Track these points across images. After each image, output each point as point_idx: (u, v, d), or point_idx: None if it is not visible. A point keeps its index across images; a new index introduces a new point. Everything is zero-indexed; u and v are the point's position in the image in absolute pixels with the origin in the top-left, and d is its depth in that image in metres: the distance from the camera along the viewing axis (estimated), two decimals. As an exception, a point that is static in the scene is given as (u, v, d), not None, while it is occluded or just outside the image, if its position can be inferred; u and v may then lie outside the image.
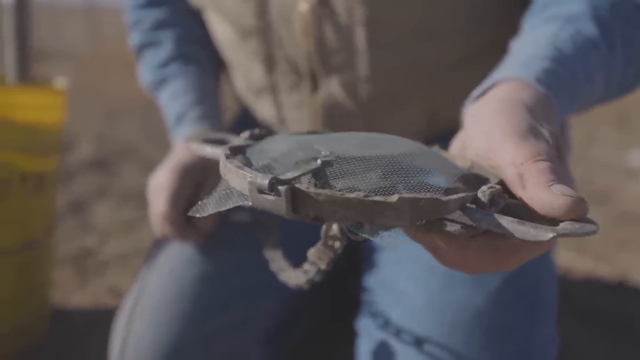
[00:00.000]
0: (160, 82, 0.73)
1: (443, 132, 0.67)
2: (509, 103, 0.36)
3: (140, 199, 1.72)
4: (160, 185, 0.62)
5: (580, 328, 1.09)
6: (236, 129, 0.67)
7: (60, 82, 0.96)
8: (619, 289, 1.27)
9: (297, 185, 0.29)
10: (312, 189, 0.28)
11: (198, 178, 0.64)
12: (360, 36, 0.59)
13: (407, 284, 0.57)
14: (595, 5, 0.47)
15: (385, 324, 0.57)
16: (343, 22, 0.58)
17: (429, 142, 0.57)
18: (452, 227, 0.30)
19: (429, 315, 0.54)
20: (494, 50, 0.61)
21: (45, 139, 0.92)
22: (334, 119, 0.65)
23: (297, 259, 0.51)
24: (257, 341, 0.66)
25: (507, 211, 0.30)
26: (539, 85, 0.39)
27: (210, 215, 0.33)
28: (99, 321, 1.04)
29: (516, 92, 0.38)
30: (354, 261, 0.70)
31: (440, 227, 0.30)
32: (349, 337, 0.65)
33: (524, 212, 0.30)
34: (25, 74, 0.93)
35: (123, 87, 3.60)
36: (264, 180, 0.29)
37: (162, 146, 2.28)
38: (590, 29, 0.46)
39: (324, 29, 0.59)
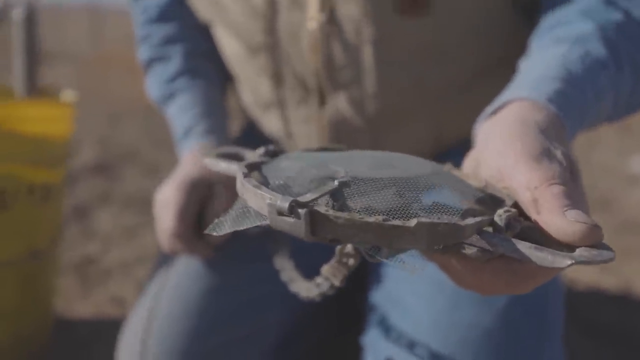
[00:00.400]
0: (169, 97, 0.74)
1: (449, 148, 0.67)
2: (522, 124, 0.36)
3: (142, 204, 1.72)
4: (167, 201, 0.62)
5: (585, 340, 1.09)
6: (243, 143, 0.67)
7: (68, 94, 0.96)
8: (622, 301, 1.27)
9: (316, 207, 0.29)
10: (331, 212, 0.28)
11: (205, 192, 0.64)
12: (367, 54, 0.59)
13: (413, 300, 0.57)
14: (602, 26, 0.47)
15: (392, 339, 0.57)
16: (351, 41, 0.58)
17: (435, 157, 0.56)
18: (469, 251, 0.30)
19: (436, 334, 0.53)
20: (501, 69, 0.61)
21: (52, 151, 0.92)
22: (340, 134, 0.65)
23: (307, 270, 0.51)
24: (263, 354, 0.66)
25: (522, 234, 0.30)
26: (550, 105, 0.39)
27: None
28: (102, 331, 1.04)
29: (529, 112, 0.37)
30: (360, 274, 0.70)
31: (457, 250, 0.30)
32: (355, 351, 0.65)
33: (539, 235, 0.30)
34: (33, 86, 0.93)
35: (126, 89, 3.60)
36: (284, 203, 0.29)
37: (165, 149, 2.28)
38: (598, 49, 0.45)
39: (332, 46, 0.59)
